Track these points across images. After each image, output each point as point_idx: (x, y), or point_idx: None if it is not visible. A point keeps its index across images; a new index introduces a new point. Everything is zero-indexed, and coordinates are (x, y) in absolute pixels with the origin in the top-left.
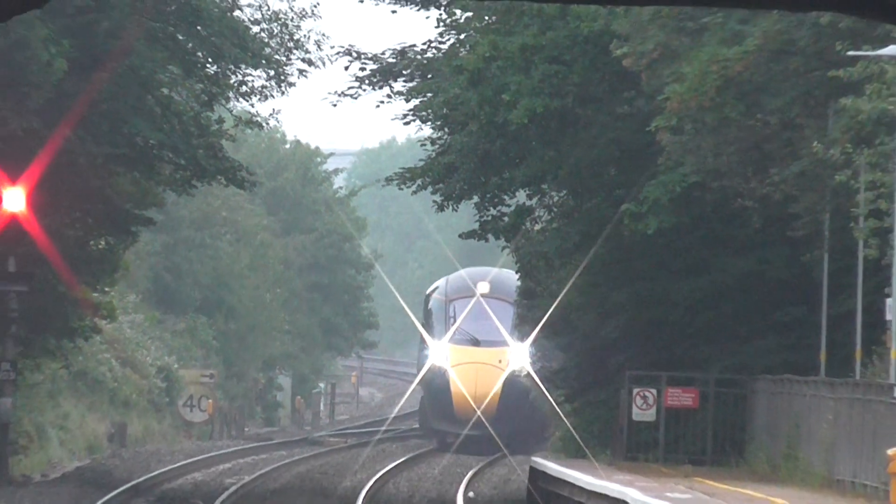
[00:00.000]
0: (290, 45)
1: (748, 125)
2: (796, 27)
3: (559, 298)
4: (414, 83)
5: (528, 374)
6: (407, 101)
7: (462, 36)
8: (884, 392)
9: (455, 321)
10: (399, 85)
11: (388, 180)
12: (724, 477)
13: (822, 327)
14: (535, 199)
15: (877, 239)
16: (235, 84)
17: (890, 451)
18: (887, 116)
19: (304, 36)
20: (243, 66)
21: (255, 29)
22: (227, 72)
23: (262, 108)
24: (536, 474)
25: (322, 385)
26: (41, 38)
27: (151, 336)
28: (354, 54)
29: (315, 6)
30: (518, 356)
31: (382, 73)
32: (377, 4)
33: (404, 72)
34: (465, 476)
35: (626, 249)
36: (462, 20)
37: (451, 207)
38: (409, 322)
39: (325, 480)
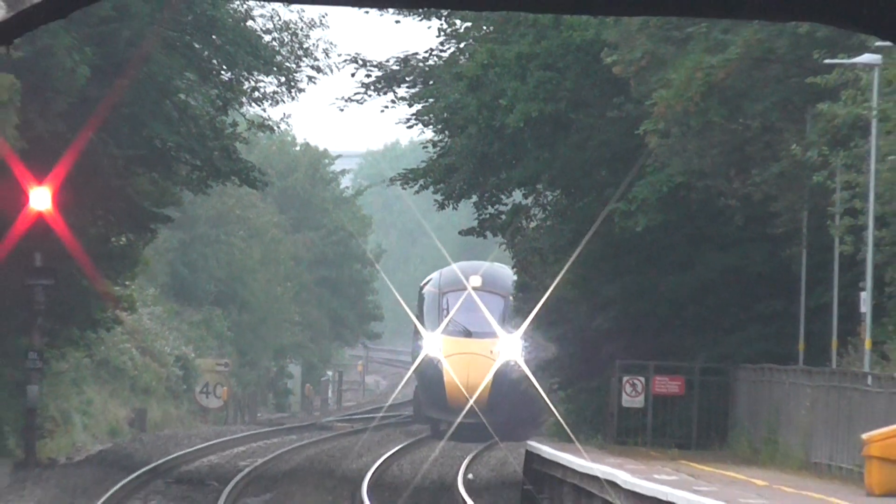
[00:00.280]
0: (300, 53)
1: (731, 129)
2: (776, 36)
3: (549, 292)
4: (416, 89)
5: (519, 365)
6: (410, 105)
7: (462, 45)
8: (858, 380)
9: (448, 313)
10: (402, 91)
11: (392, 180)
12: (708, 460)
13: (800, 319)
14: (530, 199)
15: (852, 236)
16: (248, 90)
17: (864, 436)
18: (861, 121)
19: (313, 44)
20: (256, 73)
21: (267, 38)
22: (241, 78)
23: (273, 113)
24: (532, 457)
25: (330, 373)
26: (65, 47)
27: (169, 327)
28: (360, 62)
29: (323, 16)
30: (509, 347)
31: (387, 79)
32: (382, 15)
33: (407, 78)
34: (464, 459)
35: (617, 246)
36: (462, 30)
37: (451, 206)
38: None
39: (332, 463)
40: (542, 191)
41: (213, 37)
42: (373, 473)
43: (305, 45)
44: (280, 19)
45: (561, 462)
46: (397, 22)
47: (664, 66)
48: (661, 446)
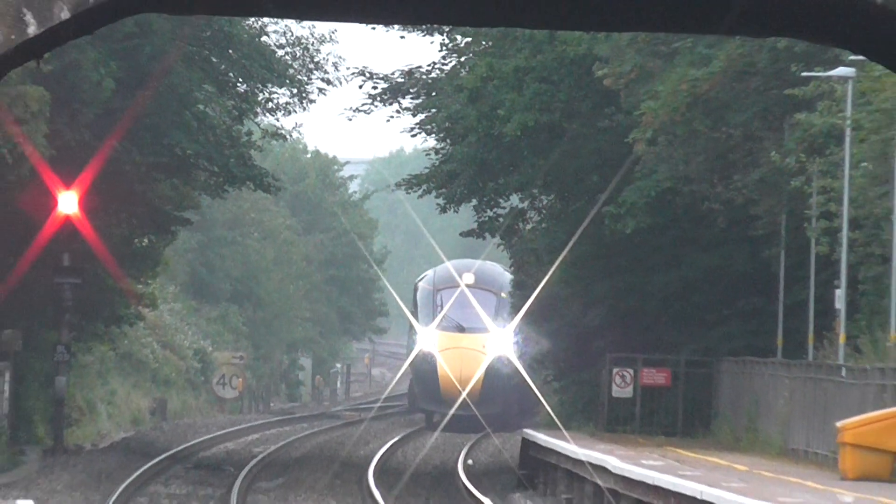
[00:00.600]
0: (311, 66)
1: (714, 137)
2: (757, 51)
3: (537, 290)
4: (420, 100)
5: (510, 359)
6: (414, 115)
7: (462, 58)
8: (833, 372)
9: (442, 309)
10: (407, 102)
11: (398, 185)
12: (693, 446)
13: (779, 315)
14: (526, 202)
15: (827, 237)
16: (263, 101)
17: (839, 424)
18: (836, 130)
19: (324, 58)
20: (270, 85)
21: (280, 52)
22: (256, 90)
23: (286, 122)
24: (528, 444)
25: (339, 366)
26: (92, 61)
27: (188, 322)
28: (367, 74)
29: (333, 32)
30: (500, 342)
31: (392, 91)
32: (388, 31)
33: (411, 90)
34: (464, 446)
35: (608, 247)
36: (462, 45)
37: (452, 209)
38: None
39: (341, 449)
40: (537, 195)
41: (230, 51)
42: (378, 459)
43: (316, 59)
44: (292, 35)
45: (555, 449)
46: (402, 37)
47: (652, 78)
48: (649, 434)
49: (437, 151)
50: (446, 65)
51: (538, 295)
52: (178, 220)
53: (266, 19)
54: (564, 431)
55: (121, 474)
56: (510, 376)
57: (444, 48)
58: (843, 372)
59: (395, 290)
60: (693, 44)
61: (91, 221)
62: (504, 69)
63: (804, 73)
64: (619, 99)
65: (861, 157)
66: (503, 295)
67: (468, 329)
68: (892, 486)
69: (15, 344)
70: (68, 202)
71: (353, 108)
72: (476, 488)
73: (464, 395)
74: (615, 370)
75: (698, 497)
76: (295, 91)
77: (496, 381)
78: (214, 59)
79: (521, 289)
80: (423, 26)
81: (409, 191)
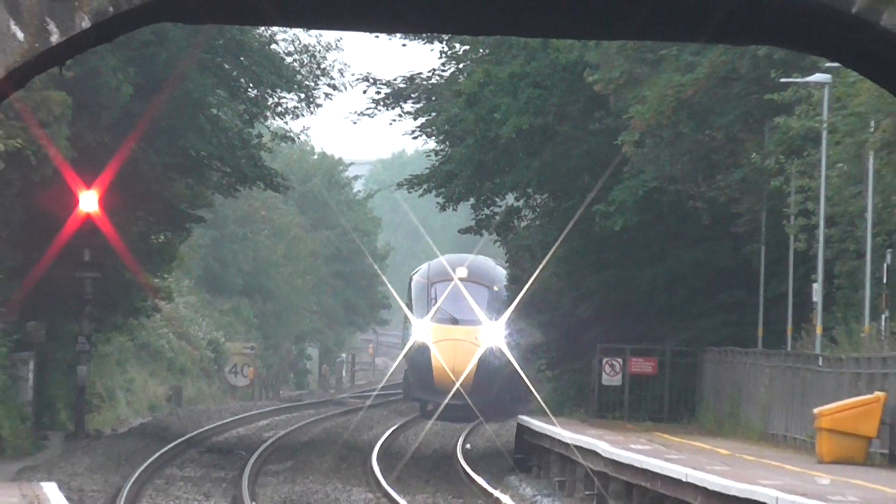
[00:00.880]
0: (318, 72)
1: (698, 139)
2: (738, 58)
3: (528, 284)
4: (421, 104)
5: (501, 350)
6: (415, 119)
7: (461, 65)
8: (810, 361)
9: (436, 302)
10: (408, 106)
11: (400, 185)
12: (679, 431)
13: (759, 307)
14: (521, 201)
15: (805, 234)
16: (272, 105)
17: (816, 410)
18: (813, 132)
19: (330, 65)
20: (279, 90)
21: (289, 59)
22: (266, 95)
23: (294, 125)
24: (522, 430)
25: (344, 355)
26: (111, 67)
27: (202, 314)
28: (371, 80)
29: (338, 40)
30: (492, 334)
31: (394, 96)
32: (390, 39)
33: (413, 95)
34: (462, 432)
35: (598, 243)
36: (461, 52)
37: (451, 208)
38: None
39: (347, 434)
40: (531, 194)
41: (242, 58)
42: (382, 443)
43: (323, 66)
44: (300, 43)
45: (548, 434)
46: (404, 45)
47: (640, 84)
48: (637, 420)
49: (436, 153)
50: (445, 71)
51: (533, 288)
52: (193, 217)
53: (275, 28)
54: (553, 419)
55: (138, 458)
56: (502, 367)
57: (444, 55)
58: (820, 361)
59: (398, 285)
60: (678, 51)
61: (110, 219)
62: (500, 75)
63: (783, 79)
64: (608, 103)
65: (836, 158)
66: (495, 288)
67: (461, 321)
68: (866, 469)
69: (39, 335)
70: (89, 201)
71: (357, 111)
72: (474, 471)
73: (457, 385)
74: (605, 359)
75: (683, 479)
76: (303, 96)
77: (488, 371)
78: (227, 66)
79: (516, 283)
80: (424, 35)
81: (411, 190)
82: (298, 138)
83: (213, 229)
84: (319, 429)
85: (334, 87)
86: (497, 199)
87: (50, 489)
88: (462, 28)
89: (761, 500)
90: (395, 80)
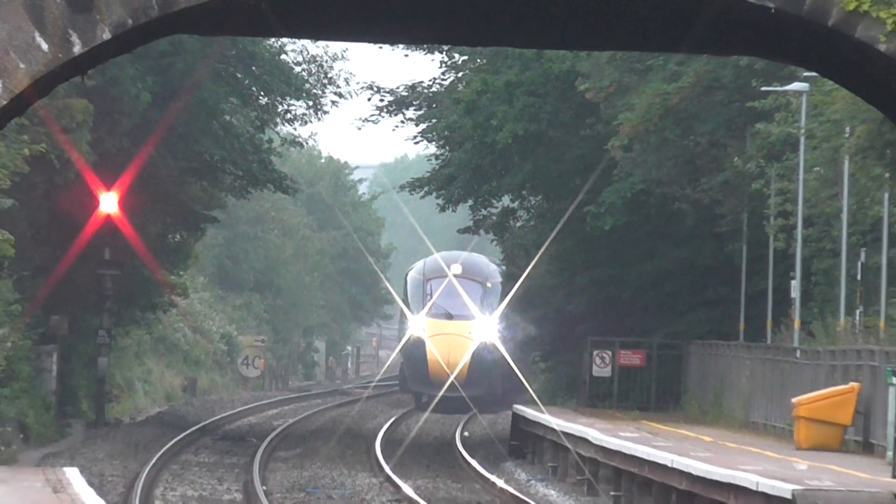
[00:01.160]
0: (325, 81)
1: (684, 144)
2: (721, 68)
3: (520, 281)
4: (422, 111)
5: (495, 344)
6: (416, 125)
7: (460, 74)
8: (789, 354)
9: (431, 297)
10: (410, 113)
11: (402, 187)
12: (665, 420)
13: (741, 303)
14: (516, 202)
15: (784, 234)
16: (282, 112)
17: (794, 400)
18: (792, 138)
19: (336, 74)
20: (288, 98)
21: (298, 69)
22: (276, 102)
23: (302, 131)
24: (518, 419)
25: (349, 348)
26: (130, 77)
27: (216, 309)
28: (375, 88)
29: (344, 51)
30: (486, 328)
31: (397, 103)
32: (393, 49)
33: (414, 102)
34: (461, 420)
35: (589, 242)
36: (460, 62)
37: (451, 209)
38: None
39: (352, 423)
40: (526, 196)
41: (253, 68)
42: (385, 431)
43: (330, 75)
44: (308, 53)
45: (542, 422)
46: (406, 55)
47: (628, 92)
48: (626, 409)
49: (437, 157)
50: (445, 80)
51: (527, 285)
52: (207, 218)
53: (285, 39)
54: (543, 408)
55: (155, 445)
56: (495, 360)
57: (444, 65)
58: (798, 354)
59: (401, 282)
60: (665, 61)
61: (129, 219)
62: (496, 84)
63: (763, 88)
64: (598, 110)
65: (814, 162)
66: (489, 284)
67: (455, 316)
68: (841, 455)
69: (62, 328)
70: (109, 202)
71: (362, 118)
72: (472, 457)
73: (451, 378)
74: (595, 352)
75: (669, 465)
76: (310, 103)
77: (482, 364)
78: (239, 75)
79: (512, 280)
80: (425, 46)
81: (413, 192)
82: (306, 143)
83: (226, 229)
84: (326, 417)
85: (340, 95)
86: (494, 201)
87: (72, 474)
88: (461, 39)
89: (743, 484)
90: (398, 88)
